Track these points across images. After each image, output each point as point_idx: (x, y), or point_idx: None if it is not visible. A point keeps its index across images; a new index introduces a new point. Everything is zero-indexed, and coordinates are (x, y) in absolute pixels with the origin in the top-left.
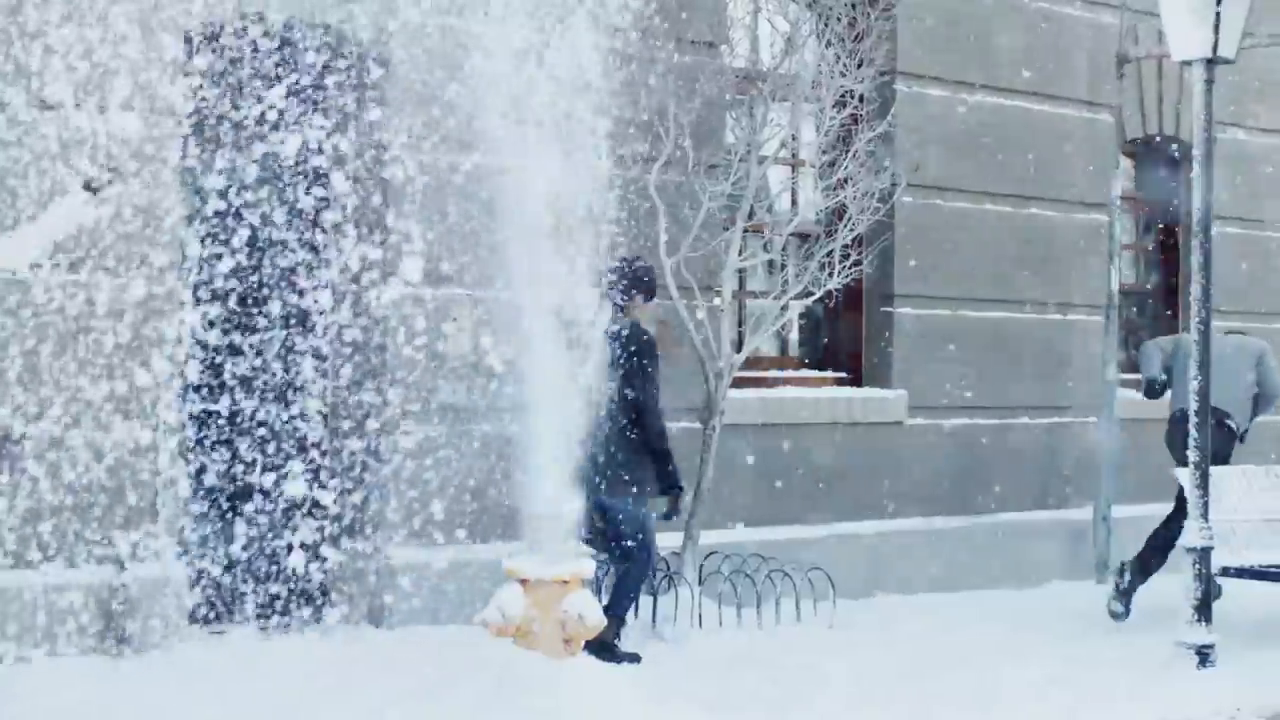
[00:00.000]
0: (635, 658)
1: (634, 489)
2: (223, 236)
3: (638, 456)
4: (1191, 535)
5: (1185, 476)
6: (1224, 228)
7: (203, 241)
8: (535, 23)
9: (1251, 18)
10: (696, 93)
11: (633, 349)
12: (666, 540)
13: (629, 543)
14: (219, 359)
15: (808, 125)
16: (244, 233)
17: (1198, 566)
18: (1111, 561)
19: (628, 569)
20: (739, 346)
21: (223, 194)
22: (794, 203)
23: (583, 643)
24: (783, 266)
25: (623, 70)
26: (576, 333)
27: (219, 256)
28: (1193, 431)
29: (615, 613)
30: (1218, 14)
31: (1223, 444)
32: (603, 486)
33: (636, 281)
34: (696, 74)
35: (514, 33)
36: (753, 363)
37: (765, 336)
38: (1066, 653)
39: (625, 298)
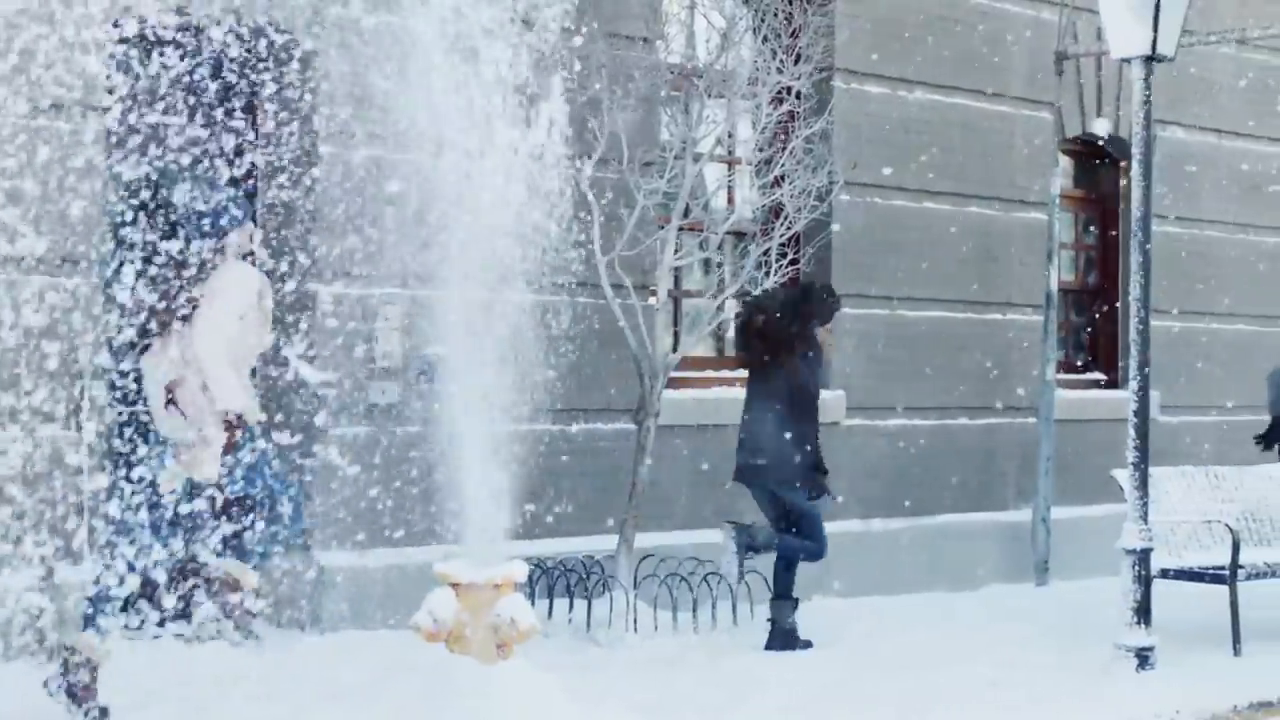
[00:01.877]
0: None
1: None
2: (143, 236)
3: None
4: (1130, 537)
5: (1124, 478)
6: (1163, 226)
7: (122, 241)
8: (465, 17)
9: (1191, 15)
10: (631, 89)
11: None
12: (601, 543)
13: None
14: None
15: (744, 122)
16: (165, 232)
17: (1136, 569)
18: (1051, 564)
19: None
20: (675, 346)
21: (144, 193)
22: (730, 201)
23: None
24: (719, 265)
25: (556, 66)
26: (506, 333)
27: (139, 257)
28: (1131, 433)
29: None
30: (1157, 12)
31: None
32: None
33: (821, 303)
34: (631, 70)
35: (444, 28)
36: (689, 363)
37: (701, 336)
38: (1006, 655)
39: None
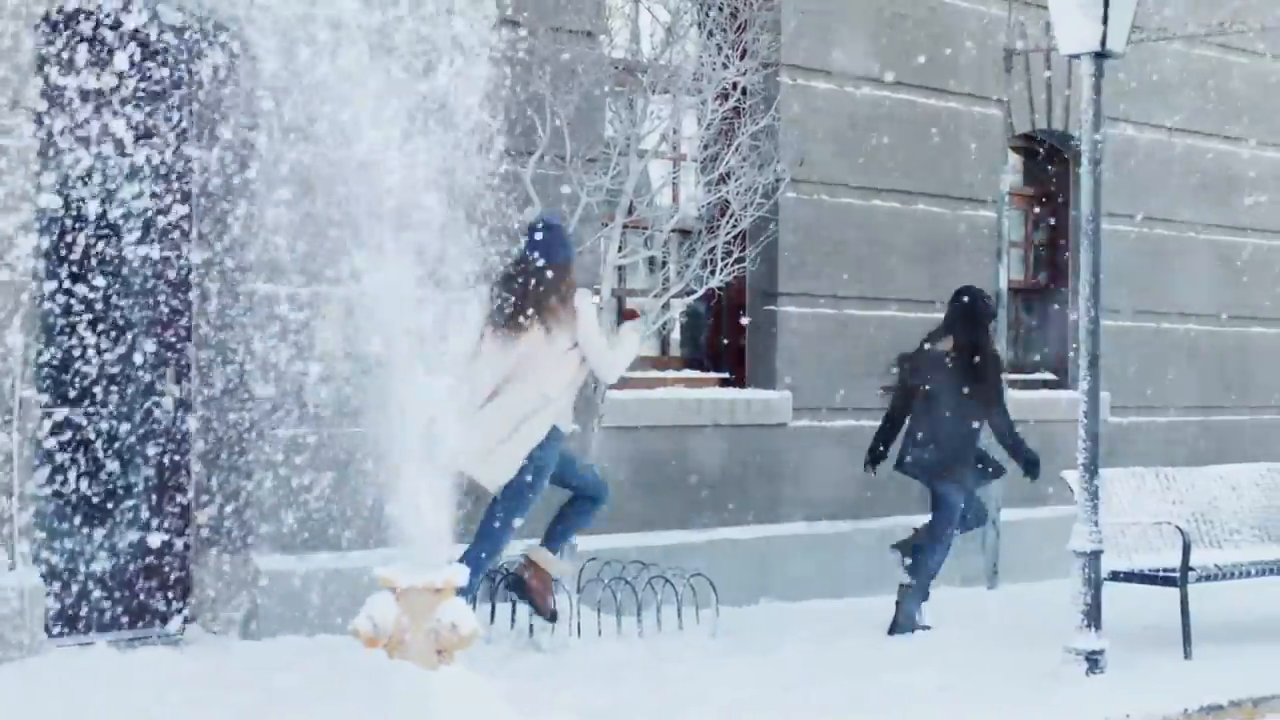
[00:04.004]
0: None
1: (957, 479)
2: (73, 233)
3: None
4: (1080, 539)
5: (1074, 479)
6: (1113, 224)
7: (52, 238)
8: (404, 8)
9: (1141, 12)
10: (574, 84)
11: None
12: None
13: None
14: (73, 361)
15: (689, 118)
16: (96, 229)
17: (1086, 571)
18: (1001, 566)
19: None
20: None
21: (73, 188)
22: (675, 198)
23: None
24: (664, 264)
25: (497, 60)
26: (450, 333)
27: (70, 254)
28: (1081, 434)
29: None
30: (1106, 8)
31: None
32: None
33: (986, 310)
34: (574, 64)
35: (381, 19)
36: (633, 363)
37: (646, 336)
38: (956, 659)
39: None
